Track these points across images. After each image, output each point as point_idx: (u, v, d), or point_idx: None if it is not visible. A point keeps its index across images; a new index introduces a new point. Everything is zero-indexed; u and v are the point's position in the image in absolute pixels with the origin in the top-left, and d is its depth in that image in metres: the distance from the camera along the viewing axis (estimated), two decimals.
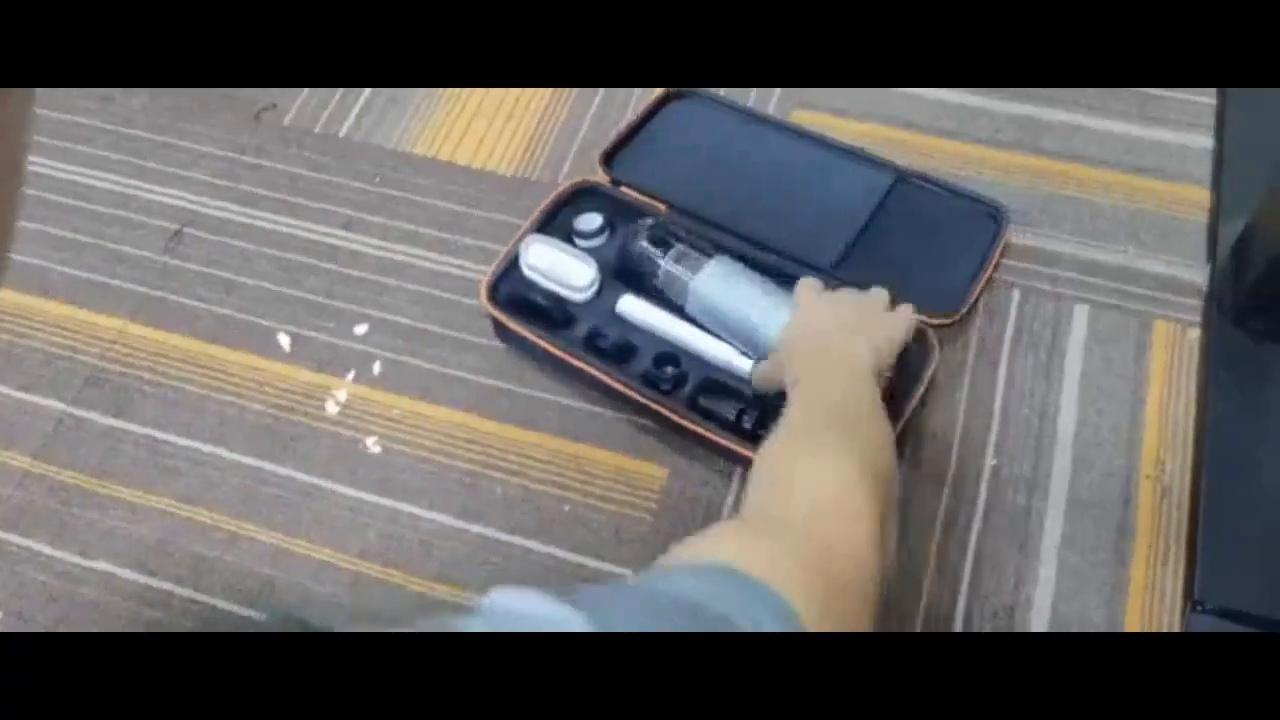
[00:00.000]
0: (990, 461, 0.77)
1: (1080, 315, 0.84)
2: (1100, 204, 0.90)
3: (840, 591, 0.45)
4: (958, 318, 0.80)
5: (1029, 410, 0.79)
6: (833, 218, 0.85)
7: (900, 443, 0.76)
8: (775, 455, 0.56)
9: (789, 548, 0.45)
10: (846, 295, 0.72)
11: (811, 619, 0.40)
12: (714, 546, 0.45)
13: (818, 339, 0.67)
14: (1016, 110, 0.96)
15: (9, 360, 0.84)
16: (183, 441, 0.80)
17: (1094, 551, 0.73)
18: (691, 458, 0.78)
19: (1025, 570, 0.73)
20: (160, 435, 0.80)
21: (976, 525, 0.75)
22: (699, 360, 0.78)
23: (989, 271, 0.83)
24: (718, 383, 0.77)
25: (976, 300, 0.82)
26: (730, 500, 0.76)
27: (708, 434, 0.74)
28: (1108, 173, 0.92)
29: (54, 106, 1.00)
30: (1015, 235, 0.87)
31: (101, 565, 0.74)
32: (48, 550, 0.75)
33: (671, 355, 0.78)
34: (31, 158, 0.96)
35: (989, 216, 0.85)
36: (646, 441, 0.79)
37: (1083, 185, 0.91)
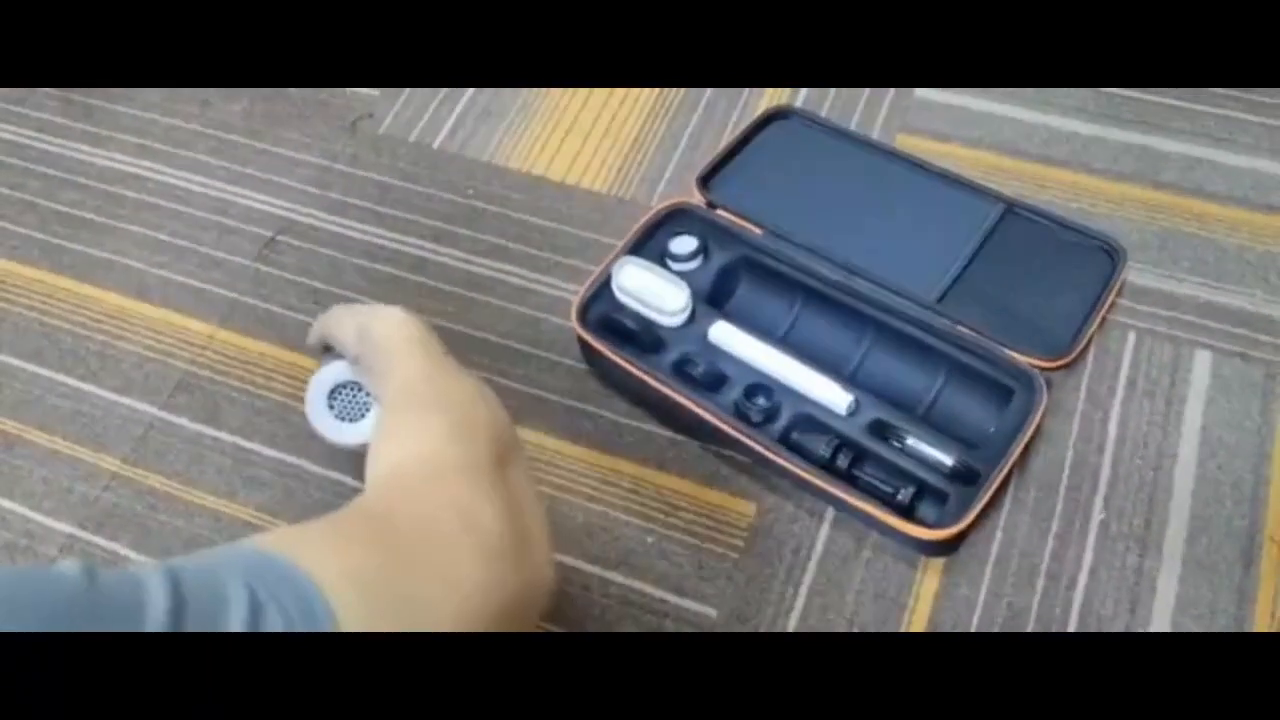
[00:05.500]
0: (1099, 515, 0.73)
1: (1202, 362, 0.79)
2: (1224, 243, 0.85)
3: (413, 551, 0.40)
4: (1068, 360, 0.75)
5: (1142, 461, 0.75)
6: (937, 250, 0.81)
7: (1002, 491, 0.73)
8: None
9: (329, 525, 0.41)
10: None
11: (350, 588, 0.36)
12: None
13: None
14: (1134, 139, 0.92)
15: (104, 361, 0.85)
16: (267, 451, 0.79)
17: (1210, 617, 0.69)
18: (781, 494, 0.75)
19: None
20: (245, 444, 0.80)
21: (1083, 581, 0.70)
22: (792, 393, 0.75)
23: (1103, 311, 0.78)
24: (811, 418, 0.74)
25: (1089, 342, 0.78)
26: (821, 540, 0.73)
27: (799, 471, 0.71)
28: (1233, 209, 0.87)
29: (155, 110, 1.02)
30: (1131, 273, 0.83)
31: None
32: (131, 554, 0.75)
33: (763, 386, 0.75)
34: (134, 160, 0.98)
35: (1104, 253, 0.81)
36: (734, 474, 0.76)
37: (1205, 222, 0.86)
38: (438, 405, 0.49)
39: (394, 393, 0.52)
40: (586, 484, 0.77)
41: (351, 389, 0.61)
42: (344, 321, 0.57)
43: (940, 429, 0.73)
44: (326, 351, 0.62)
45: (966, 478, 0.70)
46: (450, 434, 0.47)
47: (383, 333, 0.54)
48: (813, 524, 0.74)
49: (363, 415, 0.61)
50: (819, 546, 0.73)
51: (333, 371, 0.61)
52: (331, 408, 0.61)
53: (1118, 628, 0.69)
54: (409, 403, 0.50)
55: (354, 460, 0.78)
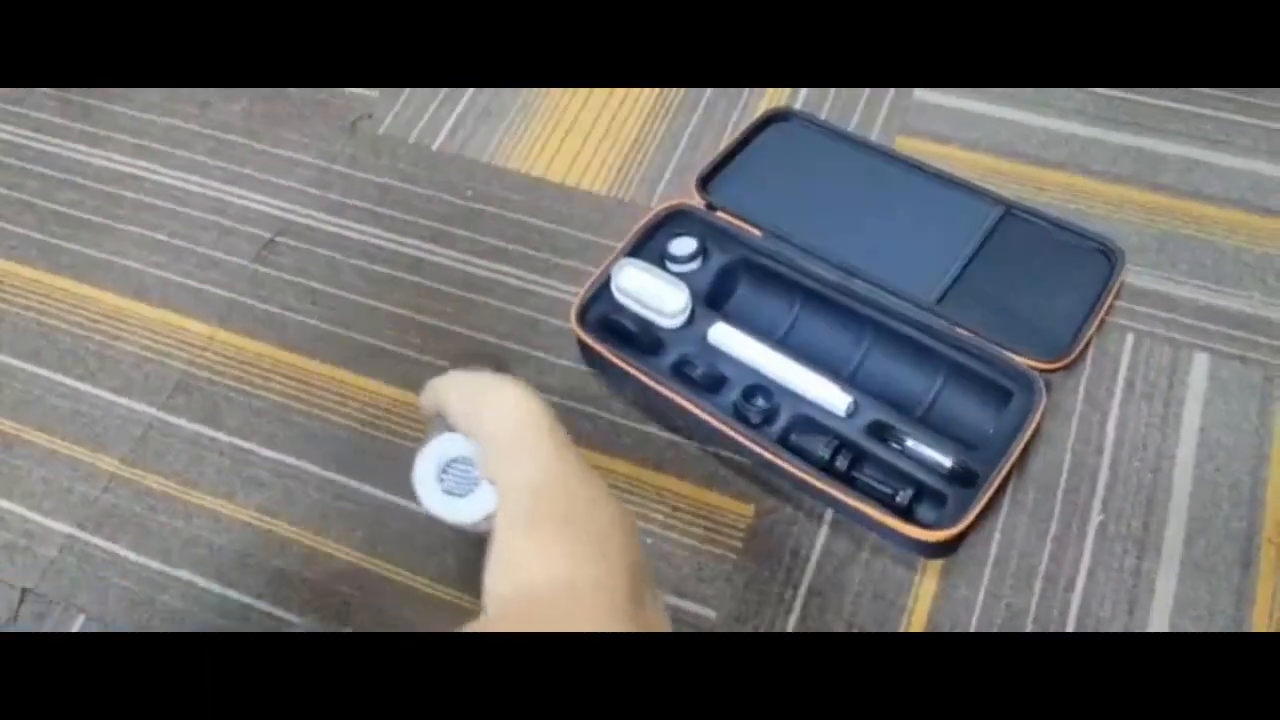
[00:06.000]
0: (1097, 517, 0.73)
1: (1200, 364, 0.79)
2: (1222, 245, 0.85)
3: None
4: (1067, 361, 0.75)
5: (1140, 463, 0.75)
6: (936, 251, 0.81)
7: (1000, 493, 0.73)
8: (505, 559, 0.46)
9: None
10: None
11: None
12: None
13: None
14: (1131, 142, 0.92)
15: (103, 362, 0.85)
16: (266, 452, 0.79)
17: (1209, 618, 0.69)
18: (780, 496, 0.75)
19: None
20: (245, 444, 0.80)
21: (1081, 583, 0.71)
22: (791, 394, 0.75)
23: (1101, 313, 0.78)
24: (811, 419, 0.74)
25: (1087, 344, 0.78)
26: (820, 543, 0.73)
27: (798, 472, 0.71)
28: (1231, 211, 0.87)
29: (154, 110, 1.02)
30: (1130, 275, 0.83)
31: (183, 574, 0.74)
32: (131, 555, 0.75)
33: (762, 387, 0.75)
34: (132, 160, 0.98)
35: (1103, 255, 0.81)
36: (733, 476, 0.76)
37: (1203, 224, 0.87)
38: (570, 519, 0.45)
39: (518, 494, 0.47)
40: None
41: (463, 463, 0.56)
42: (453, 395, 0.52)
43: (939, 430, 0.73)
44: (438, 417, 0.56)
45: (965, 479, 0.70)
46: (585, 554, 0.44)
47: (508, 420, 0.49)
48: (811, 525, 0.74)
49: (471, 489, 0.55)
50: (818, 548, 0.73)
51: (448, 445, 0.55)
52: (442, 481, 0.55)
53: (1116, 629, 0.69)
54: (536, 514, 0.46)
55: (355, 461, 0.78)
